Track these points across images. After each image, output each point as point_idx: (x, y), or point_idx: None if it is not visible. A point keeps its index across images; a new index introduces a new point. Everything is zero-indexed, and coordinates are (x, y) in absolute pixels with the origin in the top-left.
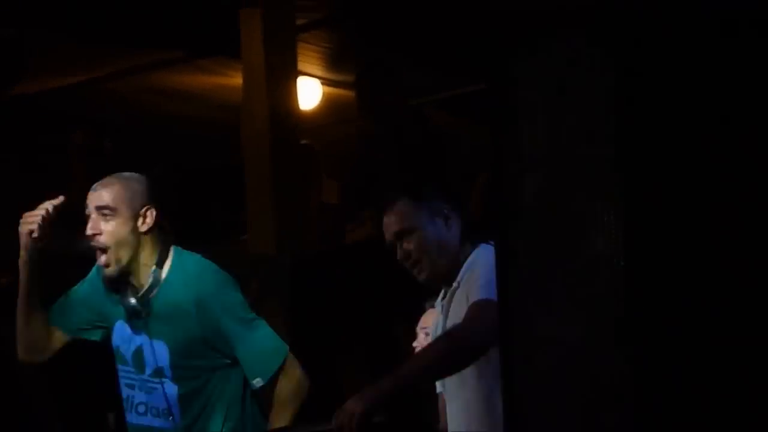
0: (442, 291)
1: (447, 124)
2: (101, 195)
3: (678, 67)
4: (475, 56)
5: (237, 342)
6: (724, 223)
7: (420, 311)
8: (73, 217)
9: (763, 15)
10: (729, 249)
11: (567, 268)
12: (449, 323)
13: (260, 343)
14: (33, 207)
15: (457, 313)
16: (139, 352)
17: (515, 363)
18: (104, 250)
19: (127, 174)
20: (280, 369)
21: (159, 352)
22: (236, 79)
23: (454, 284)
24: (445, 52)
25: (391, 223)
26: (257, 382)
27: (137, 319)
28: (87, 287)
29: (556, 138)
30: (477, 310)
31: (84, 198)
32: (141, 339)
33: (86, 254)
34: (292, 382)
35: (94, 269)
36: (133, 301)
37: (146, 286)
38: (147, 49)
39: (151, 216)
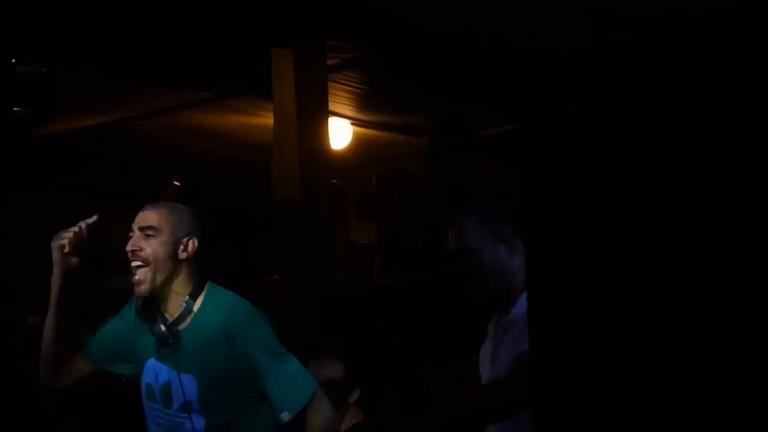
0: (495, 317)
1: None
2: (147, 216)
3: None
4: (512, 95)
5: (266, 375)
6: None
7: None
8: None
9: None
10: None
11: None
12: (499, 355)
13: (290, 377)
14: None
15: (508, 348)
16: (167, 387)
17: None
18: (140, 267)
19: (175, 203)
20: (309, 404)
21: (187, 386)
22: (267, 119)
23: (509, 314)
24: (477, 92)
25: (454, 239)
26: (285, 416)
27: (166, 348)
28: (117, 321)
29: None
30: (523, 362)
31: None
32: (170, 373)
33: (118, 292)
34: (321, 418)
35: (126, 305)
36: (162, 328)
37: (176, 315)
38: (177, 89)
39: (192, 245)
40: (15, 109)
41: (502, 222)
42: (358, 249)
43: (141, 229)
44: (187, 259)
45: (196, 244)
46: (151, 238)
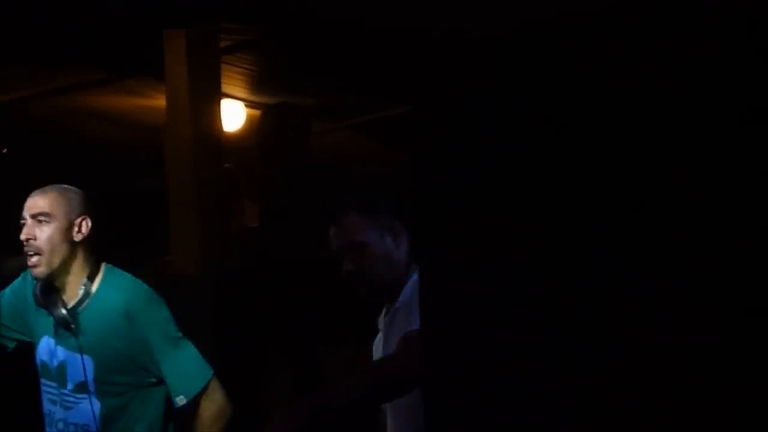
0: (385, 308)
1: (363, 147)
2: (37, 202)
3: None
4: (399, 79)
5: (163, 358)
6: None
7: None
8: None
9: None
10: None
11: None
12: (390, 341)
13: (186, 362)
14: None
15: (398, 332)
16: (63, 367)
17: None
18: (37, 255)
19: (64, 185)
20: (204, 390)
21: (85, 366)
22: (160, 101)
23: (397, 303)
24: (368, 76)
25: (339, 236)
26: (180, 400)
27: (65, 331)
28: (10, 294)
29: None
30: (411, 340)
31: None
32: (66, 353)
33: (9, 274)
34: (214, 405)
35: (19, 278)
36: (63, 311)
37: (76, 299)
38: (69, 70)
39: (86, 226)
40: None
41: (383, 212)
42: (250, 231)
43: (33, 216)
44: (82, 240)
45: (89, 224)
46: (44, 224)
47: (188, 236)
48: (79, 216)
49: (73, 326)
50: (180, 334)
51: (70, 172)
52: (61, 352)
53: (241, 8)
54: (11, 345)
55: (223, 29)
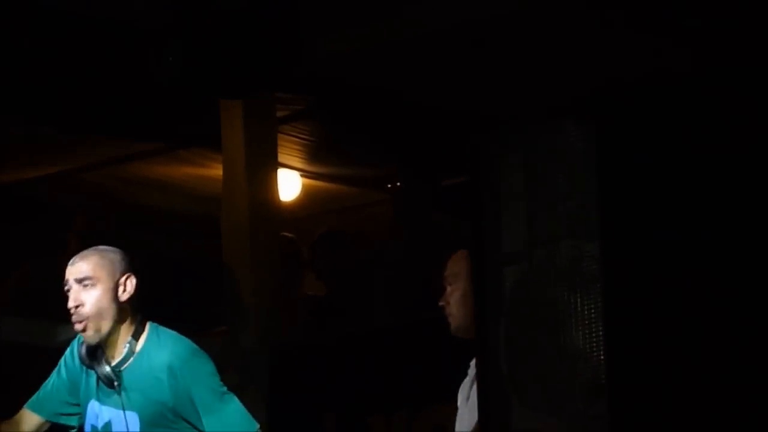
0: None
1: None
2: (80, 267)
3: (658, 162)
4: (456, 150)
5: (206, 411)
6: (703, 318)
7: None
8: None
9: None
10: (711, 346)
11: (546, 361)
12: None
13: (231, 416)
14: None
15: None
16: (108, 426)
17: None
18: (86, 321)
19: (102, 246)
20: None
21: (130, 423)
22: (216, 171)
23: None
24: (419, 146)
25: (446, 265)
26: None
27: (110, 389)
28: (63, 369)
29: (537, 229)
30: None
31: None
32: (111, 412)
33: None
34: None
35: (67, 352)
36: (107, 369)
37: (121, 357)
38: (126, 140)
39: (131, 284)
40: None
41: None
42: (310, 301)
43: (78, 281)
44: (129, 299)
45: (134, 282)
46: (90, 288)
47: (243, 306)
48: (123, 275)
49: (116, 383)
50: (224, 389)
51: (125, 242)
52: (106, 412)
53: (294, 79)
54: (75, 423)
55: (280, 99)
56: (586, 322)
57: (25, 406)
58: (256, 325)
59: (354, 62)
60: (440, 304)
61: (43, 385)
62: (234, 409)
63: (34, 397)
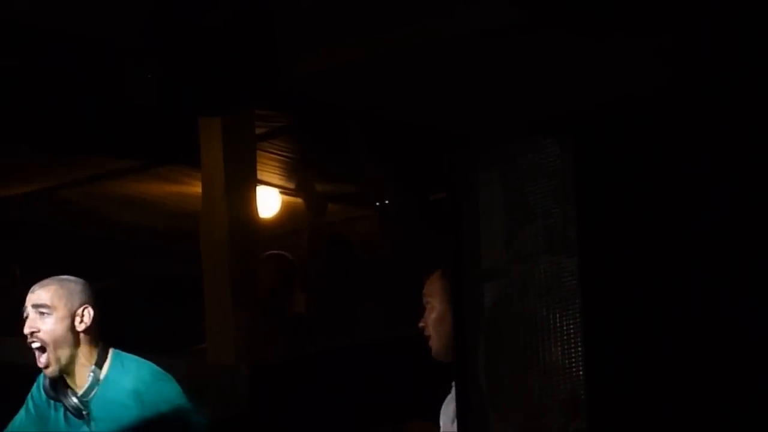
0: None
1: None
2: (39, 294)
3: (636, 178)
4: (433, 165)
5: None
6: (683, 333)
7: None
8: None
9: None
10: (692, 361)
11: (525, 377)
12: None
13: None
14: None
15: None
16: None
17: None
18: (43, 349)
19: (64, 276)
20: None
21: None
22: (195, 188)
23: None
24: (402, 161)
25: (425, 287)
26: None
27: (80, 420)
28: (31, 406)
29: (516, 246)
30: None
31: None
32: None
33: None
34: None
35: (33, 388)
36: (74, 400)
37: (85, 386)
38: (104, 157)
39: (88, 315)
40: None
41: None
42: (299, 319)
43: (35, 307)
44: (86, 329)
45: (92, 313)
46: (46, 316)
47: (223, 323)
48: (81, 306)
49: (85, 413)
50: (191, 407)
51: (103, 259)
52: None
53: (273, 96)
54: None
55: (258, 115)
56: (565, 337)
57: None
58: (236, 342)
59: (332, 79)
60: (420, 326)
61: (10, 423)
62: (203, 426)
63: None
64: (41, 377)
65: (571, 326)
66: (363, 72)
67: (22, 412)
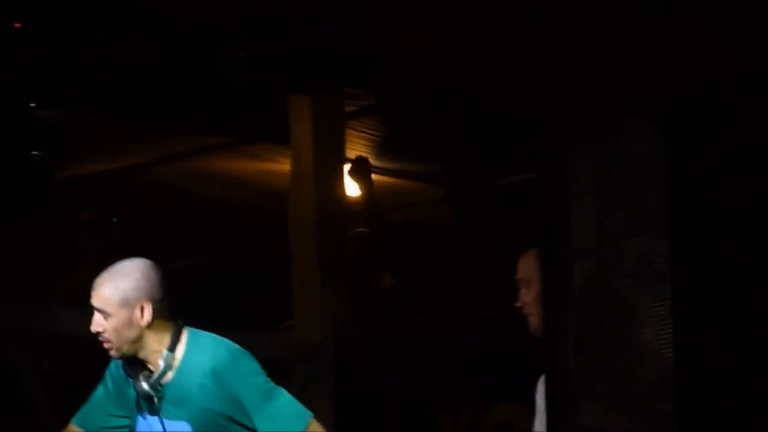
0: None
1: None
2: (97, 295)
3: (727, 160)
4: (524, 146)
5: (256, 412)
6: None
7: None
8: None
9: None
10: None
11: (614, 358)
12: None
13: (282, 410)
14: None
15: None
16: None
17: None
18: (110, 344)
19: (120, 269)
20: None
21: None
22: (284, 165)
23: None
24: (490, 143)
25: (518, 269)
26: None
27: (152, 404)
28: (108, 381)
29: (606, 227)
30: None
31: (93, 275)
32: (162, 423)
33: None
34: None
35: (112, 363)
36: (145, 386)
37: (159, 371)
38: (195, 135)
39: (147, 310)
40: (33, 152)
41: None
42: (385, 296)
43: (96, 308)
44: (148, 323)
45: (150, 308)
46: (108, 318)
47: (310, 300)
48: (137, 302)
49: (156, 399)
50: (271, 385)
51: (193, 235)
52: (157, 424)
53: (364, 75)
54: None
55: (348, 94)
56: (655, 319)
57: (71, 420)
58: (323, 320)
59: (423, 59)
60: (517, 305)
61: (89, 398)
62: (283, 404)
63: (80, 412)
64: None
65: (661, 308)
66: (453, 52)
67: (101, 387)
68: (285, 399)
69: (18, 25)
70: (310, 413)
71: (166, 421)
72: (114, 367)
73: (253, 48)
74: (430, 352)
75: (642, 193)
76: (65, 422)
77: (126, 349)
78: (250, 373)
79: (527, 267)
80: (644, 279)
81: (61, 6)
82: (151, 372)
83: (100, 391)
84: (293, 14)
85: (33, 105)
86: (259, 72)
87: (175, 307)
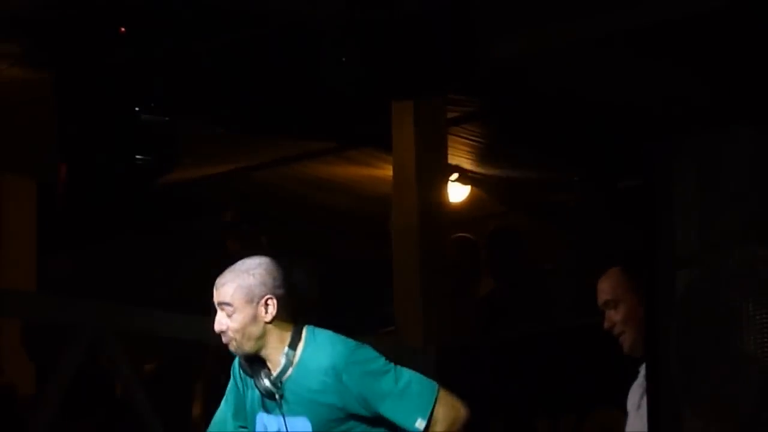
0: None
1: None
2: (221, 292)
3: None
4: (626, 154)
5: (382, 398)
6: None
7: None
8: None
9: None
10: None
11: (717, 367)
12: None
13: (408, 389)
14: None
15: None
16: None
17: None
18: (233, 341)
19: (244, 266)
20: (436, 402)
21: (300, 428)
22: (385, 171)
23: None
24: (589, 150)
25: (600, 290)
26: (419, 425)
27: (272, 401)
28: (230, 396)
29: (709, 235)
30: None
31: None
32: (278, 422)
33: None
34: (449, 408)
35: (231, 378)
36: (267, 383)
37: (279, 368)
38: (297, 140)
39: (272, 305)
40: (138, 157)
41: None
42: (485, 302)
43: (219, 304)
44: (272, 319)
45: (275, 304)
46: (231, 314)
47: (412, 307)
48: (262, 298)
49: (277, 396)
50: (390, 366)
51: (294, 240)
52: (273, 423)
53: (468, 81)
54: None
55: (450, 100)
56: (758, 327)
57: None
58: (424, 326)
59: (528, 64)
60: (606, 327)
61: (213, 420)
62: (409, 380)
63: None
64: (235, 363)
65: (765, 316)
66: (556, 58)
67: (222, 405)
68: (408, 376)
69: (123, 29)
70: (435, 383)
71: (288, 418)
72: (232, 381)
73: (359, 53)
74: (531, 359)
75: (746, 201)
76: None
77: (249, 346)
78: (368, 360)
79: (612, 287)
80: (748, 287)
81: (165, 10)
82: (271, 370)
83: (222, 407)
84: (399, 20)
85: (137, 109)
86: (362, 77)
87: (296, 305)
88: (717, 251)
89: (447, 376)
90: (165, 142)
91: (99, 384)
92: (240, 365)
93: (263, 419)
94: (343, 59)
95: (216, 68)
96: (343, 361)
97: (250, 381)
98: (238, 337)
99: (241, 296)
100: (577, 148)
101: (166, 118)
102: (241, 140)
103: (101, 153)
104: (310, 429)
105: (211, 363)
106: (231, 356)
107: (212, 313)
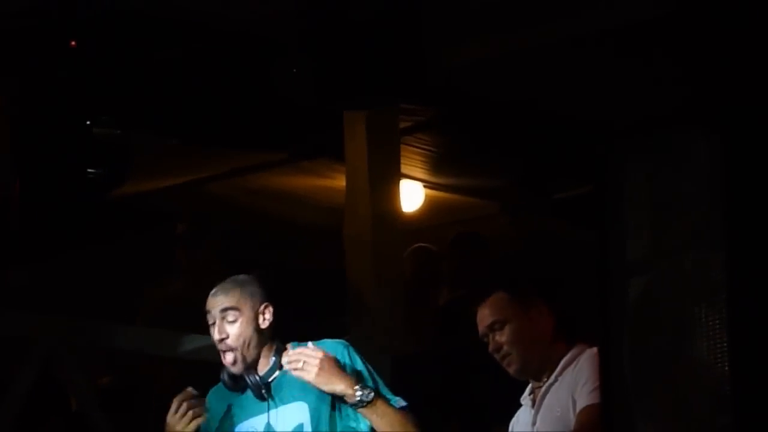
0: (529, 385)
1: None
2: (222, 299)
3: None
4: (579, 161)
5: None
6: None
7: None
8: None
9: None
10: None
11: (670, 372)
12: (540, 418)
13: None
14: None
15: (551, 408)
16: (269, 427)
17: None
18: (231, 351)
19: (241, 276)
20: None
21: (293, 416)
22: (339, 181)
23: (550, 379)
24: (545, 157)
25: (484, 315)
26: (398, 402)
27: (261, 399)
28: (212, 411)
29: (661, 241)
30: (591, 414)
31: (190, 286)
32: (265, 418)
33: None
34: None
35: (208, 399)
36: (256, 377)
37: (267, 368)
38: (249, 151)
39: (269, 312)
40: (90, 170)
41: (529, 290)
42: (442, 312)
43: (221, 311)
44: (270, 325)
45: (272, 309)
46: (234, 321)
47: (366, 316)
48: (262, 304)
49: (264, 392)
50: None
51: (249, 252)
52: (260, 423)
53: (418, 90)
54: None
55: (403, 110)
56: (711, 332)
57: None
58: (378, 335)
59: (479, 73)
60: (491, 350)
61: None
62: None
63: None
64: (211, 396)
65: (717, 321)
66: (507, 65)
67: (210, 412)
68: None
69: (74, 43)
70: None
71: (280, 407)
72: (211, 400)
73: (308, 63)
74: (487, 365)
75: (699, 205)
76: None
77: (249, 355)
78: (355, 359)
79: (498, 308)
80: (700, 291)
81: (117, 23)
82: (257, 373)
83: (208, 421)
84: (350, 30)
85: (89, 122)
86: (314, 87)
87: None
88: (669, 256)
89: (402, 385)
90: (117, 154)
91: (54, 398)
92: (223, 381)
93: (248, 425)
94: (294, 70)
95: (168, 80)
96: (342, 344)
97: (231, 397)
98: (240, 344)
99: (247, 300)
100: (522, 156)
101: (118, 131)
102: (194, 152)
103: (54, 167)
104: (307, 412)
105: (167, 376)
106: (190, 370)
107: (202, 329)
